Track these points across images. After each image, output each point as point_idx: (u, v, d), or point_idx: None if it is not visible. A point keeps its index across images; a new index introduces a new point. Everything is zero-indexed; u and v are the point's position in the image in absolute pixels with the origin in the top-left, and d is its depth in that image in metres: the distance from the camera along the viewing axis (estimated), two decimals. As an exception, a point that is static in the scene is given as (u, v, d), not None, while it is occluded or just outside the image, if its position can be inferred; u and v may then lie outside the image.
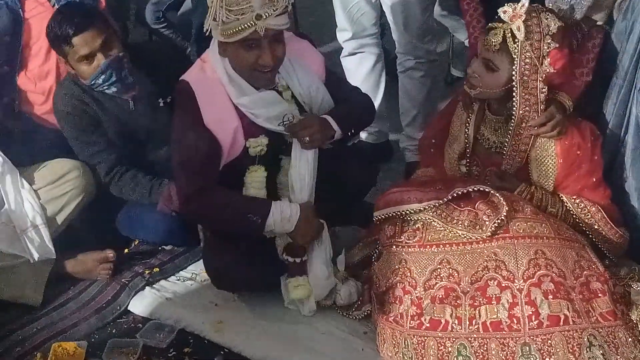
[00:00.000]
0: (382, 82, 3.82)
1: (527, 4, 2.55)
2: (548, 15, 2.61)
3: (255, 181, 2.80)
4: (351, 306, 2.84)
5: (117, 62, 3.02)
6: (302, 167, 2.77)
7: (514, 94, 2.65)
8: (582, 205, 2.75)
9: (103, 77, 3.02)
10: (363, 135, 3.91)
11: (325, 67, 2.93)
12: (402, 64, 3.68)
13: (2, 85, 3.33)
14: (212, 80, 2.72)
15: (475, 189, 2.67)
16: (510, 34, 2.59)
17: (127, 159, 3.20)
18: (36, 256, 2.97)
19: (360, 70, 3.78)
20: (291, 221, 2.72)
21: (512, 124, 2.72)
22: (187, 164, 2.74)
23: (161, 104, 3.17)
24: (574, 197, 2.76)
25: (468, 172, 2.94)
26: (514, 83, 2.63)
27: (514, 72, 2.61)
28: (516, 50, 2.59)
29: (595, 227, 2.74)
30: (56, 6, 3.24)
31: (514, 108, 2.68)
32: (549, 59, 2.60)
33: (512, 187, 2.78)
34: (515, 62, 2.60)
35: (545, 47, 2.58)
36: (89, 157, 3.16)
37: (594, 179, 2.75)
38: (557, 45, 2.58)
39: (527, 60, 2.60)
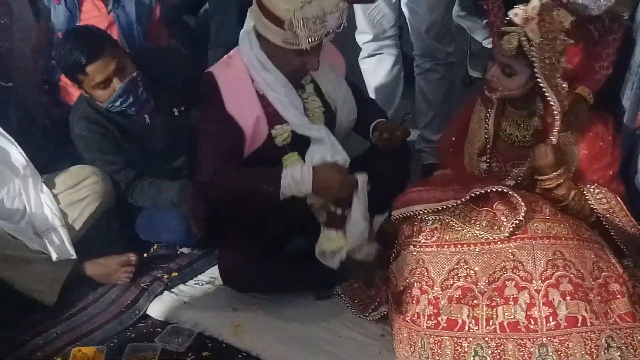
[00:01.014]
0: (401, 83, 3.82)
1: (538, 5, 2.51)
2: (559, 11, 2.57)
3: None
4: (367, 307, 2.85)
5: (133, 84, 2.97)
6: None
7: (546, 94, 2.61)
8: (597, 190, 2.75)
9: (120, 100, 2.98)
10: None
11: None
12: (420, 66, 3.68)
13: (49, 77, 3.57)
14: (237, 71, 2.82)
15: (493, 189, 2.64)
16: (525, 37, 2.56)
17: (145, 173, 3.18)
18: (55, 257, 2.99)
19: (378, 71, 3.79)
20: (305, 183, 2.71)
21: (553, 119, 2.66)
22: (210, 149, 2.81)
23: (176, 114, 3.17)
24: (592, 185, 2.76)
25: (488, 168, 2.94)
26: (540, 83, 2.60)
27: (536, 74, 2.58)
28: (534, 53, 2.56)
29: (611, 211, 2.73)
30: (112, 14, 3.40)
31: (553, 107, 2.63)
32: (565, 56, 2.58)
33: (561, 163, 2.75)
34: (535, 64, 2.57)
35: (560, 44, 2.56)
36: (109, 175, 3.15)
37: (611, 172, 2.77)
38: (572, 42, 2.56)
39: (547, 60, 2.57)
